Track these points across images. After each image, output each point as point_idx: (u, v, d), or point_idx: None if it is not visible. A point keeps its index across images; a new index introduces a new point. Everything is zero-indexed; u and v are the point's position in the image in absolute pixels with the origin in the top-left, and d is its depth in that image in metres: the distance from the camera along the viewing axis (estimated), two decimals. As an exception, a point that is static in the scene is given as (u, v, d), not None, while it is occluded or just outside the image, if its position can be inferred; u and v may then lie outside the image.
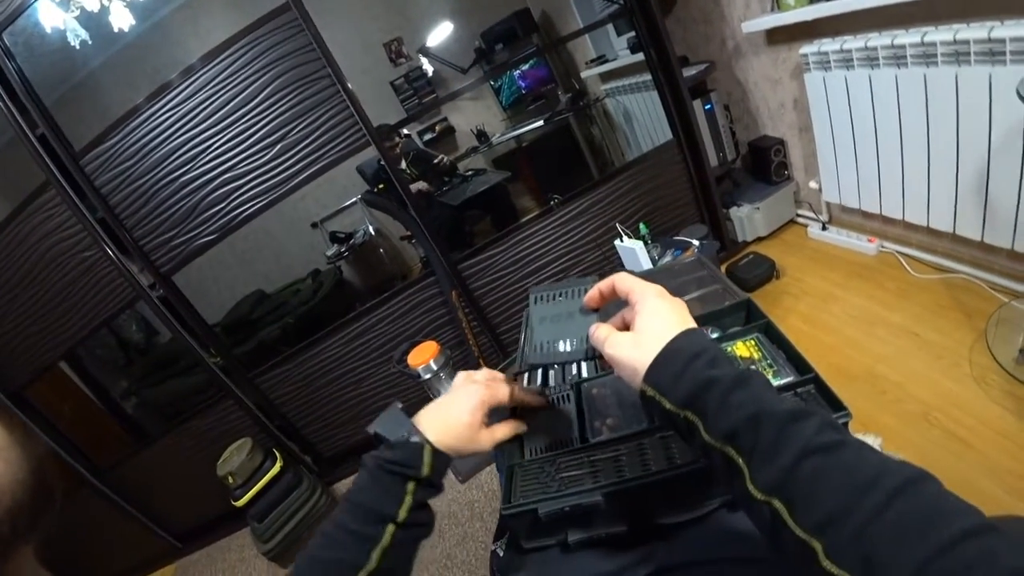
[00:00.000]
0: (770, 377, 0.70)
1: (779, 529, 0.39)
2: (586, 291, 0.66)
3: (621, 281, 0.59)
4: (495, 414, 0.74)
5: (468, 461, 2.14)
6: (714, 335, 0.84)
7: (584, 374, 0.89)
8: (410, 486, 0.61)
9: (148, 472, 2.46)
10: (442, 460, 0.64)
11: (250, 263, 2.97)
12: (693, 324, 0.54)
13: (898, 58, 1.71)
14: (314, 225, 3.31)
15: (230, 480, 2.16)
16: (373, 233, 3.33)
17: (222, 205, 2.13)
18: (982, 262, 1.86)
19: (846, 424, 0.60)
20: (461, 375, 0.75)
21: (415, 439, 0.63)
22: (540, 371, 0.94)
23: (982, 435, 1.49)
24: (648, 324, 0.54)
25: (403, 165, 2.85)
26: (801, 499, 0.39)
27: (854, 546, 0.35)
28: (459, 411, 0.68)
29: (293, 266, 3.21)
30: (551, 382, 0.91)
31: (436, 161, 2.93)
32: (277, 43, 2.01)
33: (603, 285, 0.62)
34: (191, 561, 2.62)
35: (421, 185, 2.78)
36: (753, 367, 0.71)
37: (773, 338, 0.77)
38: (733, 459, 0.43)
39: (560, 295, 0.71)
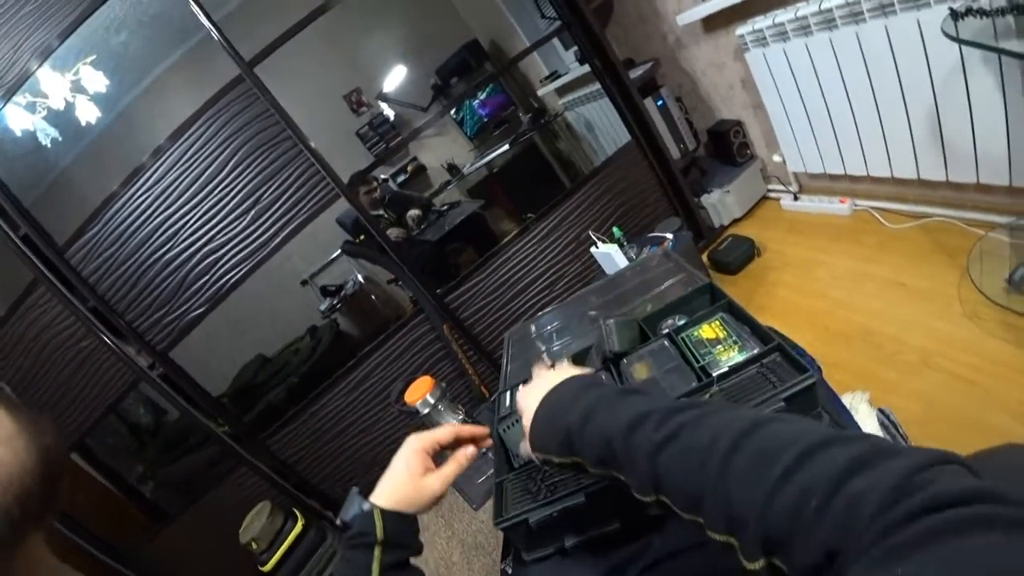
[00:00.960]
0: (735, 353, 0.71)
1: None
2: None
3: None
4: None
5: (478, 488, 2.14)
6: (681, 321, 0.86)
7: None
8: (376, 552, 0.64)
9: (173, 551, 2.44)
10: (395, 520, 0.67)
11: (246, 331, 3.00)
12: (554, 382, 0.61)
13: (828, 22, 1.76)
14: (304, 283, 3.35)
15: (254, 546, 2.14)
16: (363, 281, 3.36)
17: (207, 277, 2.17)
18: (952, 201, 1.87)
19: (810, 386, 0.60)
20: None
21: (367, 506, 0.67)
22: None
23: (984, 370, 1.48)
24: (524, 407, 0.64)
25: (381, 209, 2.90)
26: (672, 491, 0.42)
27: (717, 511, 0.38)
28: (398, 467, 0.72)
29: (289, 326, 3.23)
30: None
31: (414, 202, 2.99)
32: (236, 113, 2.08)
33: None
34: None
35: (398, 232, 2.83)
36: (719, 346, 0.74)
37: (737, 315, 0.79)
38: (616, 477, 0.49)
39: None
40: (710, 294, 0.91)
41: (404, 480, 0.70)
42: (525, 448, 0.63)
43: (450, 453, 0.77)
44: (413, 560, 0.68)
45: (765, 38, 1.99)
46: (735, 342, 0.74)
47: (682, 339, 0.78)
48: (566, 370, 0.66)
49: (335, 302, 3.30)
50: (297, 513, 2.30)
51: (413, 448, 0.73)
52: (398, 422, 2.47)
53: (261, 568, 2.15)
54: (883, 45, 1.64)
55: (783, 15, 1.87)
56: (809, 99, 2.02)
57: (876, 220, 2.10)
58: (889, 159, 1.89)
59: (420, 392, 1.45)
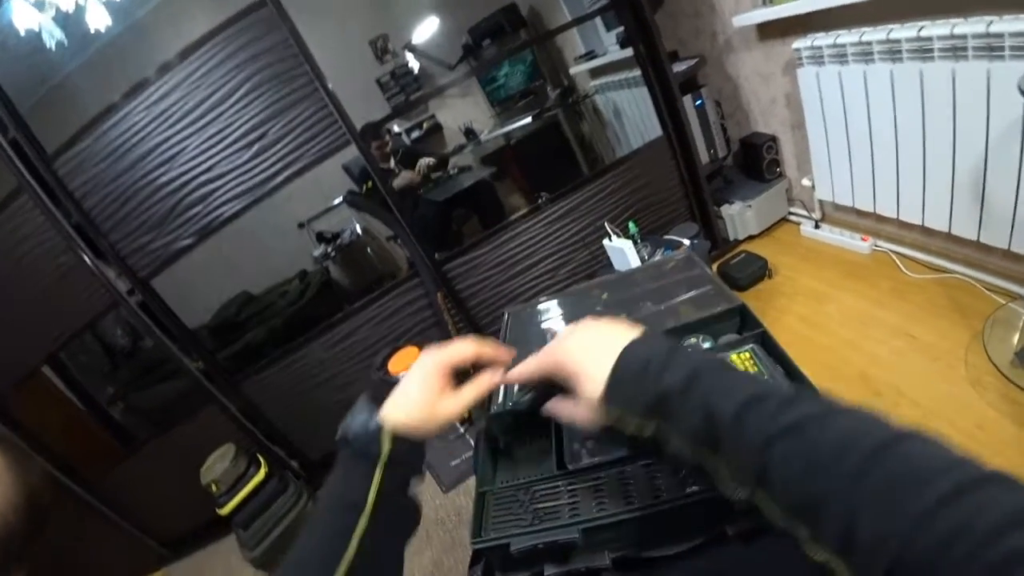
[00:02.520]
0: None
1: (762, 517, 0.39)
2: None
3: (551, 358, 0.58)
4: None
5: (451, 471, 2.12)
6: (705, 344, 0.78)
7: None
8: (377, 470, 0.57)
9: (134, 480, 2.41)
10: (405, 440, 0.60)
11: (236, 265, 2.92)
12: (633, 334, 0.52)
13: (893, 53, 1.67)
14: (300, 225, 3.25)
15: (214, 488, 2.12)
16: (360, 233, 3.27)
17: (200, 207, 2.08)
18: (977, 262, 1.82)
19: None
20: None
21: (375, 423, 0.59)
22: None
23: (977, 440, 1.46)
24: (585, 358, 0.54)
25: (392, 164, 2.80)
26: (780, 488, 0.38)
27: (837, 523, 0.34)
28: (412, 386, 0.63)
29: (280, 267, 3.15)
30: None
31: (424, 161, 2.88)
32: (253, 39, 1.96)
33: (528, 373, 0.62)
34: (179, 568, 2.58)
35: (411, 176, 2.72)
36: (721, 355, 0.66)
37: (770, 350, 0.72)
38: (708, 461, 0.43)
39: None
40: (740, 318, 0.82)
41: (419, 401, 0.62)
42: (573, 410, 0.55)
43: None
44: (412, 488, 0.62)
45: (822, 56, 1.89)
46: None
47: None
48: (628, 325, 0.55)
49: (329, 250, 3.22)
50: (261, 460, 2.27)
51: (430, 366, 0.64)
52: (378, 388, 2.43)
53: (218, 510, 2.13)
54: (946, 89, 1.55)
55: (847, 36, 1.77)
56: (854, 128, 1.93)
57: (895, 265, 2.05)
58: (923, 206, 1.82)
59: (405, 363, 1.37)
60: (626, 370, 0.49)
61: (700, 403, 0.43)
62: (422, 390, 0.62)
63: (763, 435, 0.39)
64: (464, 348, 0.66)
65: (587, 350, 0.54)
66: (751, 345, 0.73)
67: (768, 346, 0.72)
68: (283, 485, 2.28)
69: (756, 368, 0.69)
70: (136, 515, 2.46)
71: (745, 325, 0.82)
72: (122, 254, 2.06)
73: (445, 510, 2.12)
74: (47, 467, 2.24)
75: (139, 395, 2.65)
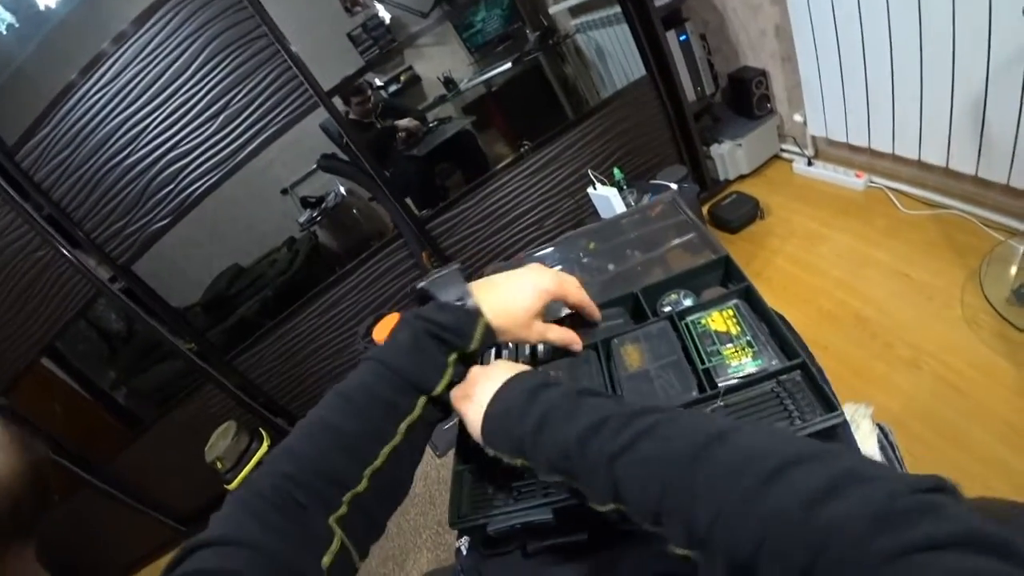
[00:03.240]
0: (748, 359, 0.60)
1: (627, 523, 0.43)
2: None
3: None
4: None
5: (443, 435, 2.14)
6: (687, 301, 0.75)
7: (540, 351, 0.79)
8: (452, 358, 0.55)
9: (143, 462, 2.46)
10: (492, 337, 0.58)
11: (223, 237, 2.88)
12: (507, 376, 0.54)
13: (888, -25, 1.55)
14: (284, 191, 3.19)
15: (219, 465, 2.15)
16: (345, 194, 3.21)
17: (171, 186, 2.01)
18: (975, 197, 1.76)
19: (834, 427, 0.51)
20: (526, 266, 0.66)
21: (470, 306, 0.56)
22: (493, 351, 0.87)
23: (972, 380, 1.45)
24: (479, 391, 0.55)
25: (373, 119, 2.69)
26: (630, 500, 0.40)
27: (678, 523, 0.36)
28: (522, 292, 0.60)
29: (267, 236, 3.11)
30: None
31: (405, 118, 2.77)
32: (205, 2, 1.83)
33: None
34: (195, 543, 2.67)
35: (408, 123, 2.63)
36: (730, 345, 0.63)
37: (756, 307, 0.67)
38: (570, 484, 0.47)
39: None
40: (724, 270, 0.78)
41: (521, 310, 0.59)
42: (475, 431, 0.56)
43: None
44: None
45: (813, -18, 1.77)
46: (749, 344, 0.62)
47: (686, 326, 0.67)
48: (508, 365, 0.57)
49: (315, 214, 3.16)
50: (263, 433, 2.29)
51: (547, 286, 0.62)
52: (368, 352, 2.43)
53: (226, 487, 2.18)
54: (945, 14, 1.45)
55: (838, -41, 1.65)
56: (848, 59, 1.83)
57: (890, 201, 1.98)
58: (920, 140, 1.75)
59: (389, 330, 1.35)
60: (491, 415, 0.52)
61: (550, 442, 0.46)
62: (530, 304, 0.60)
63: (604, 456, 0.42)
64: (574, 289, 0.66)
65: (477, 389, 0.55)
66: (735, 301, 0.69)
67: (753, 302, 0.69)
68: (288, 455, 2.32)
69: (739, 328, 0.64)
70: (149, 496, 2.52)
71: (730, 276, 0.77)
72: (99, 242, 2.02)
73: (446, 470, 2.16)
74: (50, 449, 2.27)
75: (140, 378, 2.66)
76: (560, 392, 0.50)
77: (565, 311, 0.71)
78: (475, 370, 0.58)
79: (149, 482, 2.49)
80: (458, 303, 0.57)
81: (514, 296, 0.59)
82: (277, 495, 0.45)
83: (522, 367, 0.57)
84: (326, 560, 0.44)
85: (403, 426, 0.51)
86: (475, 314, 0.56)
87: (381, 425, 0.51)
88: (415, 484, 2.18)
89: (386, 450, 0.50)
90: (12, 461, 0.41)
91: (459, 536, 0.77)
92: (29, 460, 0.43)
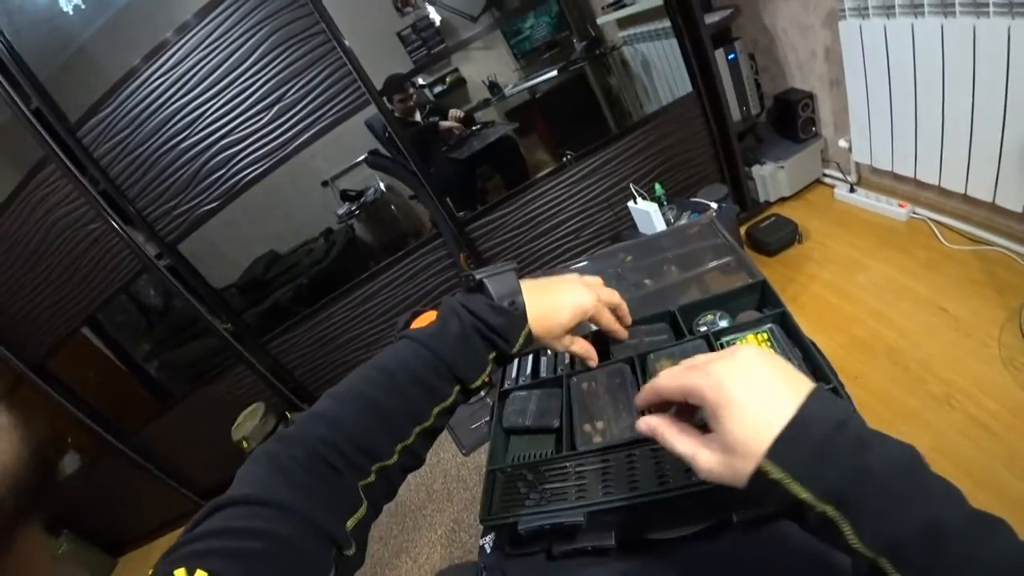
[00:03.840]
0: None
1: None
2: None
3: (683, 382, 0.44)
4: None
5: (471, 434, 2.16)
6: (722, 322, 0.76)
7: (577, 365, 0.82)
8: (492, 356, 0.56)
9: (170, 434, 2.54)
10: (528, 344, 0.59)
11: (262, 223, 2.95)
12: (812, 383, 0.41)
13: (946, 6, 1.54)
14: (325, 183, 3.25)
15: (244, 445, 2.22)
16: (384, 190, 3.25)
17: (222, 171, 2.09)
18: (1020, 235, 1.72)
19: None
20: (570, 276, 0.67)
21: (519, 311, 0.57)
22: (531, 356, 0.89)
23: (1005, 422, 1.42)
24: (746, 390, 0.40)
25: (418, 117, 2.74)
26: None
27: None
28: (563, 307, 0.61)
29: (305, 225, 3.17)
30: (542, 370, 0.87)
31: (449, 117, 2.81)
32: (267, -2, 1.90)
33: (661, 391, 0.47)
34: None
35: (454, 122, 2.67)
36: None
37: (790, 332, 0.68)
38: (888, 573, 0.33)
39: None
40: (760, 294, 0.80)
41: (557, 323, 0.60)
42: (697, 447, 0.43)
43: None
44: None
45: (867, 7, 1.76)
46: None
47: (721, 346, 0.70)
48: (783, 365, 0.43)
49: (354, 208, 3.21)
50: (289, 417, 2.36)
51: (586, 306, 0.62)
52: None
53: (250, 466, 2.24)
54: (1000, 47, 1.43)
55: (894, -13, 1.64)
56: (897, 87, 1.81)
57: (932, 234, 1.95)
58: (967, 173, 1.72)
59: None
60: (809, 428, 0.37)
61: (920, 502, 0.34)
62: (567, 319, 0.61)
63: (988, 570, 0.31)
64: (606, 314, 0.65)
65: (751, 383, 0.41)
66: (770, 325, 0.70)
67: (787, 327, 0.70)
68: (311, 441, 2.37)
69: (772, 351, 0.66)
70: (174, 468, 2.60)
71: (766, 301, 0.79)
72: (149, 219, 2.10)
73: (467, 468, 2.19)
74: (76, 414, 2.35)
75: (173, 353, 2.74)
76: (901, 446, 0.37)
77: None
78: (746, 349, 0.44)
79: (175, 455, 2.57)
80: (509, 306, 0.57)
81: (555, 309, 0.60)
82: (311, 459, 0.45)
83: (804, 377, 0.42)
84: (350, 523, 0.46)
85: (437, 409, 0.53)
86: (522, 320, 0.57)
87: (420, 406, 0.52)
88: (435, 480, 2.22)
89: (418, 429, 0.52)
90: (12, 446, 0.41)
91: (484, 534, 0.79)
92: (29, 443, 0.43)
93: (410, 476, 0.56)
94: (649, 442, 0.63)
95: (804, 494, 0.36)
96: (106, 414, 2.46)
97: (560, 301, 0.61)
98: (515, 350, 0.57)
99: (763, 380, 0.41)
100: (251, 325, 2.44)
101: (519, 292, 0.58)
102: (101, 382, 2.58)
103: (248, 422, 2.23)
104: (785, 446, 0.37)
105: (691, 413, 0.46)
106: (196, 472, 2.63)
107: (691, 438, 0.43)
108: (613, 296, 0.67)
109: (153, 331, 2.77)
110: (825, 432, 0.37)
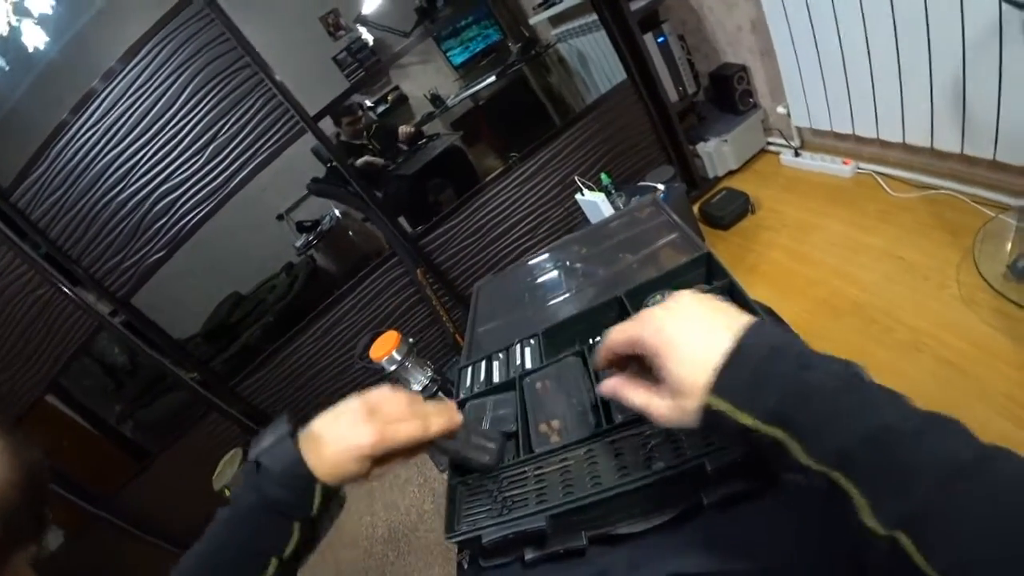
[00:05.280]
0: None
1: (901, 565, 0.30)
2: None
3: (630, 333, 0.46)
4: None
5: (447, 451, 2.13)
6: None
7: (528, 364, 0.80)
8: (297, 524, 0.54)
9: (152, 493, 2.46)
10: (332, 493, 0.56)
11: (222, 266, 2.91)
12: (748, 317, 0.42)
13: (856, -37, 1.57)
14: (279, 217, 3.22)
15: (227, 493, 2.15)
16: (340, 216, 3.23)
17: (165, 219, 2.04)
18: (963, 175, 1.75)
19: None
20: (353, 401, 0.60)
21: (304, 476, 0.54)
22: (484, 363, 0.87)
23: (972, 358, 1.44)
24: (683, 332, 0.42)
25: (365, 139, 2.72)
26: (939, 536, 0.30)
27: None
28: (342, 453, 0.56)
29: (265, 262, 3.14)
30: (495, 375, 0.85)
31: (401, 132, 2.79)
32: (189, 38, 1.89)
33: (611, 347, 0.49)
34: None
35: (368, 158, 2.64)
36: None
37: (739, 300, 0.67)
38: (842, 486, 0.33)
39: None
40: (707, 267, 0.79)
41: (351, 469, 0.56)
42: (649, 398, 0.44)
43: None
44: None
45: (783, -25, 1.79)
46: None
47: None
48: (715, 303, 0.45)
49: (311, 238, 3.19)
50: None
51: (360, 450, 0.56)
52: (369, 372, 2.43)
53: (235, 514, 2.18)
54: (916, -5, 1.46)
55: (806, -50, 1.67)
56: (825, 49, 1.84)
57: (879, 186, 1.98)
58: (903, 123, 1.74)
59: (386, 348, 1.36)
60: (746, 356, 0.38)
61: (863, 411, 0.34)
62: (352, 462, 0.55)
63: (940, 470, 0.30)
64: (404, 436, 0.57)
65: (687, 322, 0.42)
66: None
67: (736, 296, 0.69)
68: (296, 480, 2.31)
69: None
70: (158, 526, 2.51)
71: (713, 274, 0.78)
72: (97, 277, 2.05)
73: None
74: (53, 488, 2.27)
75: (146, 410, 2.67)
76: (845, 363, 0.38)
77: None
78: (684, 295, 0.46)
79: (158, 512, 2.49)
80: (292, 469, 0.54)
81: (337, 462, 0.55)
82: None
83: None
84: None
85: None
86: (308, 485, 0.54)
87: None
88: (424, 501, 2.18)
89: None
90: (5, 471, 0.41)
91: (459, 550, 0.77)
92: (23, 468, 0.42)
93: (399, 499, 0.55)
94: (606, 435, 0.62)
95: (749, 420, 0.37)
96: (83, 482, 2.37)
97: (336, 449, 0.56)
98: (315, 513, 0.54)
99: (700, 319, 0.42)
100: (218, 371, 2.38)
101: (296, 453, 0.54)
102: (75, 450, 2.50)
103: (228, 469, 2.17)
104: (725, 377, 0.38)
105: (648, 369, 0.46)
106: (181, 527, 2.55)
107: (645, 390, 0.45)
108: (401, 426, 0.59)
109: (123, 390, 2.70)
110: (762, 357, 0.38)
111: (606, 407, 0.65)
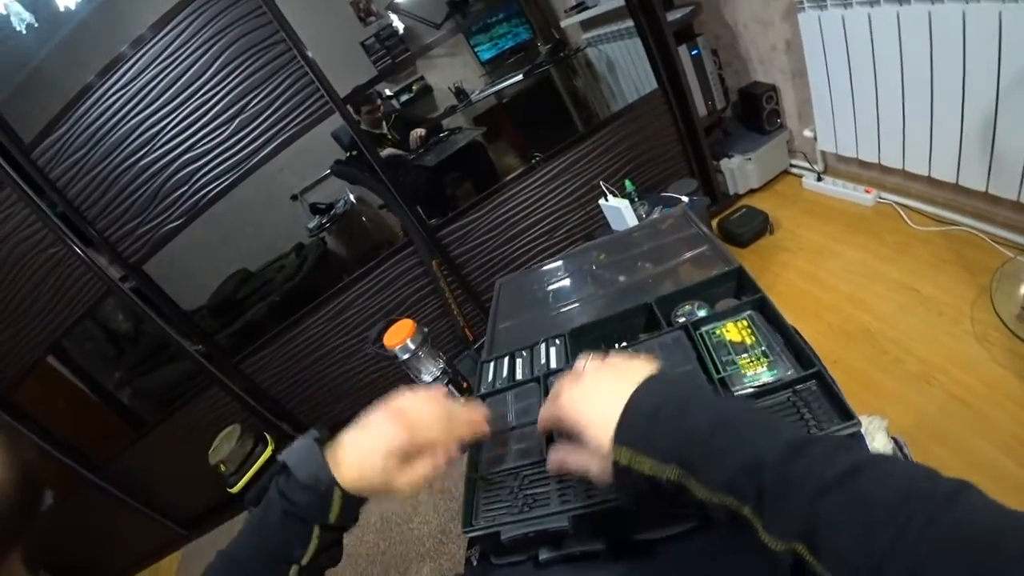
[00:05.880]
0: (763, 369, 0.61)
1: (811, 572, 0.35)
2: None
3: (552, 413, 0.54)
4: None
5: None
6: (701, 312, 0.75)
7: (553, 364, 0.80)
8: (316, 530, 0.55)
9: (147, 463, 2.45)
10: (354, 503, 0.57)
11: (233, 242, 2.89)
12: (646, 372, 0.49)
13: (899, -7, 1.57)
14: (294, 197, 3.20)
15: (222, 468, 2.14)
16: (354, 202, 3.22)
17: (185, 188, 2.03)
18: (985, 214, 1.76)
19: (853, 435, 0.51)
20: (380, 409, 0.61)
21: (326, 481, 0.55)
22: (507, 359, 0.87)
23: (982, 396, 1.44)
24: (589, 405, 0.50)
25: (384, 129, 2.72)
26: (824, 543, 0.34)
27: None
28: (374, 456, 0.57)
29: (276, 241, 3.12)
30: (518, 372, 0.84)
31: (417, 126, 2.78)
32: (225, 8, 1.86)
33: (543, 428, 0.58)
34: (197, 547, 2.63)
35: (392, 150, 2.64)
36: (745, 355, 0.63)
37: (770, 317, 0.67)
38: (741, 512, 0.39)
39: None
40: (737, 282, 0.79)
41: (377, 472, 0.57)
42: (582, 459, 0.51)
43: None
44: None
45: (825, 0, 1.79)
46: (764, 354, 0.62)
47: (700, 336, 0.67)
48: (639, 362, 0.52)
49: (324, 221, 3.17)
50: (268, 437, 2.29)
51: (394, 445, 0.57)
52: (379, 358, 2.42)
53: (228, 490, 2.17)
54: (956, 32, 1.46)
55: (849, -23, 1.67)
56: (858, 76, 1.84)
57: (900, 217, 1.99)
58: (930, 156, 1.75)
59: (400, 336, 1.34)
60: (638, 410, 0.46)
61: (733, 451, 0.40)
62: (383, 465, 0.56)
63: (815, 484, 0.35)
64: (430, 435, 0.59)
65: (591, 396, 0.50)
66: (749, 312, 0.69)
67: (767, 312, 0.69)
68: (292, 460, 2.31)
69: (753, 338, 0.64)
70: (151, 497, 2.51)
71: (743, 288, 0.78)
72: (111, 240, 2.03)
73: (452, 478, 2.15)
74: (46, 448, 2.26)
75: (145, 378, 2.66)
76: (731, 398, 0.47)
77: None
78: (588, 367, 0.55)
79: (151, 483, 2.49)
80: (315, 478, 0.55)
81: (367, 464, 0.57)
82: None
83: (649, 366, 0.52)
84: None
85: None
86: (331, 490, 0.55)
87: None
88: (419, 492, 2.18)
89: None
90: (2, 470, 0.40)
91: (469, 546, 0.76)
92: (18, 467, 0.42)
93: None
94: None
95: (648, 464, 0.43)
96: (78, 445, 2.36)
97: (359, 448, 0.58)
98: (334, 519, 0.55)
99: (602, 387, 0.50)
100: (223, 345, 2.37)
101: (322, 462, 0.55)
102: (71, 413, 2.49)
103: (225, 445, 2.16)
104: (623, 430, 0.45)
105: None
106: (175, 500, 2.55)
107: (579, 456, 0.51)
108: (425, 426, 0.61)
109: (124, 357, 2.68)
110: (653, 407, 0.45)
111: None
